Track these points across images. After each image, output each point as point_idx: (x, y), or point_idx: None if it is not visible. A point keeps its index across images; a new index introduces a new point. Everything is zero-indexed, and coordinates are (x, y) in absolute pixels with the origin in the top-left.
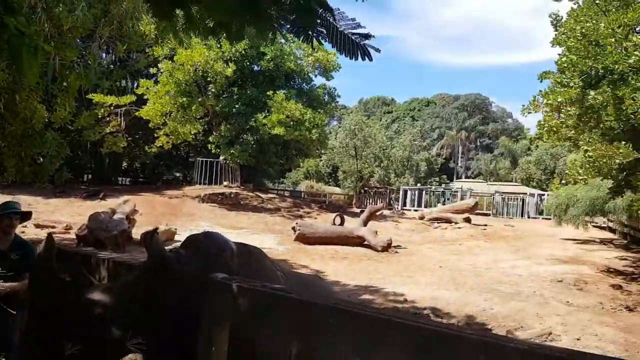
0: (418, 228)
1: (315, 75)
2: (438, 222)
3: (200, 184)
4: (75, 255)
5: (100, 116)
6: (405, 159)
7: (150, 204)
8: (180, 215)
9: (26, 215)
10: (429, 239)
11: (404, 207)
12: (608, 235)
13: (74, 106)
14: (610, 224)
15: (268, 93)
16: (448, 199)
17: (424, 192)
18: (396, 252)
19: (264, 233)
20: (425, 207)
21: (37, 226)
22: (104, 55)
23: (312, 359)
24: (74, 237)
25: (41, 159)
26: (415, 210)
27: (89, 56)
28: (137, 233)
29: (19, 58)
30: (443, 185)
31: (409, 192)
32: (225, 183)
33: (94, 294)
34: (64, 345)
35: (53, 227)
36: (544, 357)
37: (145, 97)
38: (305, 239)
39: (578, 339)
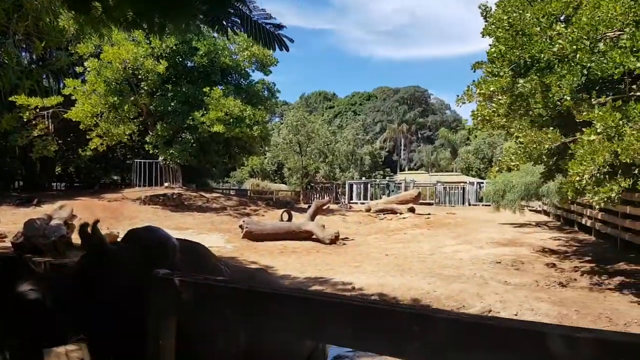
0: (365, 220)
1: (253, 71)
2: (384, 214)
3: (139, 186)
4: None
5: (25, 119)
6: (350, 153)
7: (89, 209)
8: (122, 218)
9: None
10: (375, 229)
11: (351, 201)
12: (543, 218)
13: None
14: (545, 207)
15: (204, 90)
16: (392, 191)
17: (369, 185)
18: (344, 243)
19: (211, 232)
20: (371, 199)
21: None
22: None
23: (259, 346)
24: (9, 245)
25: None
26: (362, 203)
27: (4, 55)
28: (76, 239)
29: None
30: (387, 178)
31: (354, 186)
32: (166, 184)
33: (31, 286)
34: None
35: None
36: (469, 323)
37: (73, 97)
38: (253, 236)
39: (515, 314)
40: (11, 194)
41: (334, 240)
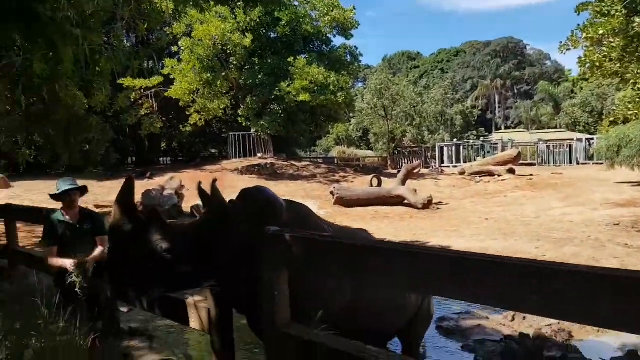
0: (459, 183)
1: (334, 36)
2: (480, 176)
3: (235, 157)
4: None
5: (132, 99)
6: (439, 114)
7: (194, 180)
8: (223, 188)
9: (83, 190)
10: (471, 193)
11: (442, 164)
12: None
13: (109, 90)
14: None
15: (289, 60)
16: (488, 152)
17: (461, 147)
18: (438, 208)
19: (304, 199)
20: (464, 162)
21: (97, 207)
22: (127, 36)
23: (363, 302)
24: None
25: (87, 146)
26: (454, 166)
27: (114, 38)
28: (186, 207)
29: (53, 45)
30: (481, 139)
31: (445, 149)
32: (259, 155)
33: (165, 239)
34: (148, 292)
35: (110, 206)
36: (592, 274)
37: (172, 76)
38: (345, 202)
39: None
40: (127, 169)
41: (427, 204)
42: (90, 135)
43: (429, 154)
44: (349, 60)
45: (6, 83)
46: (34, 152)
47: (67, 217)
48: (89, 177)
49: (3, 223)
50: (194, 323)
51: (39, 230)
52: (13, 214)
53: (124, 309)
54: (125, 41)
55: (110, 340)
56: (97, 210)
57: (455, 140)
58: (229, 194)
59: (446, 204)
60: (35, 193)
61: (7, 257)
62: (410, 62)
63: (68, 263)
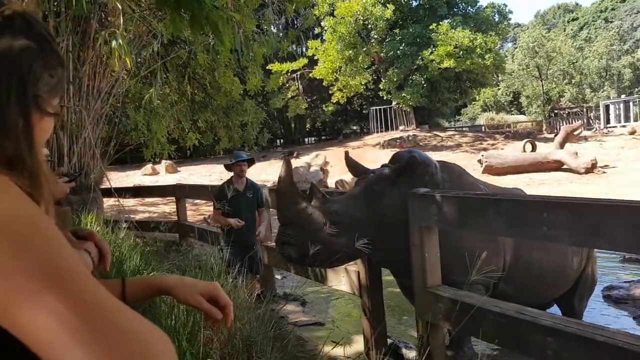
0: (628, 144)
1: None
2: None
3: (377, 132)
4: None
5: (280, 83)
6: (603, 69)
7: (337, 156)
8: (365, 162)
9: (251, 161)
10: None
11: (608, 125)
12: None
13: (262, 74)
14: None
15: (431, 27)
16: None
17: (631, 103)
18: (603, 172)
19: None
20: (635, 120)
21: None
22: (275, 21)
23: (522, 258)
24: None
25: (241, 130)
26: (623, 126)
27: (264, 23)
28: (330, 183)
29: (217, 30)
30: None
31: (611, 107)
32: (401, 127)
33: (327, 205)
34: (307, 247)
35: (264, 184)
36: None
37: (316, 57)
38: (494, 170)
39: None
40: (276, 150)
41: (591, 168)
42: (246, 118)
43: (591, 114)
44: (497, 19)
45: (175, 75)
46: (199, 137)
47: (237, 184)
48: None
49: (173, 202)
50: (344, 286)
51: (204, 208)
52: (184, 191)
53: (278, 276)
54: (272, 26)
55: (269, 303)
56: None
57: (623, 96)
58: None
59: (613, 167)
60: (198, 176)
61: (178, 230)
62: (568, 15)
63: (233, 222)
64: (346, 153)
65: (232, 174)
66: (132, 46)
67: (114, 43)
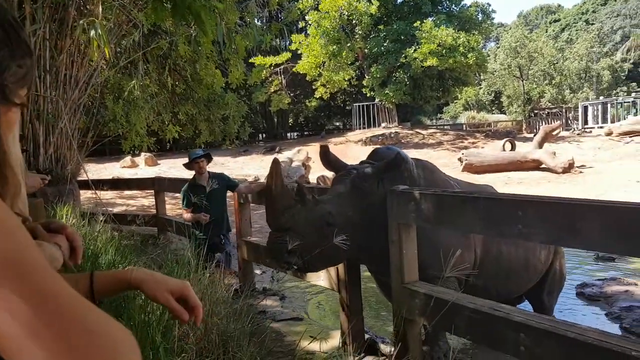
0: (605, 145)
1: None
2: (630, 137)
3: (359, 128)
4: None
5: (263, 77)
6: (582, 71)
7: (319, 152)
8: (347, 159)
9: (208, 156)
10: (620, 155)
11: (585, 126)
12: None
13: (244, 67)
14: None
15: (415, 24)
16: None
17: (608, 105)
18: (580, 172)
19: None
20: (612, 122)
21: None
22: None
23: (492, 253)
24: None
25: (223, 123)
26: (600, 127)
27: (247, 15)
28: (312, 178)
29: (200, 20)
30: (633, 95)
31: (589, 108)
32: (383, 124)
33: (321, 207)
34: (311, 253)
35: (245, 179)
36: None
37: (299, 51)
38: (474, 168)
39: None
40: (258, 145)
41: (568, 168)
42: (227, 111)
43: (570, 115)
44: (480, 18)
45: (155, 66)
46: (179, 129)
47: (200, 181)
48: (226, 153)
49: (152, 196)
50: (323, 282)
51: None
52: (163, 184)
53: (258, 271)
54: (256, 19)
55: (247, 298)
56: None
57: (601, 98)
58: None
59: (590, 167)
60: (178, 169)
61: (156, 224)
62: (550, 16)
63: (198, 217)
64: (322, 147)
65: (193, 172)
66: (112, 35)
67: (92, 32)
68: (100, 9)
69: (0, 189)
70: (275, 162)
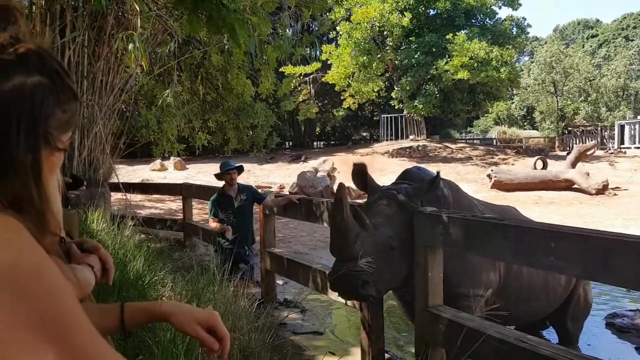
0: None
1: (500, 7)
2: None
3: (386, 140)
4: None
5: (292, 87)
6: (620, 89)
7: (345, 163)
8: (372, 170)
9: (240, 169)
10: None
11: (622, 146)
12: None
13: (274, 77)
14: None
15: (447, 37)
16: None
17: None
18: (614, 194)
19: (458, 182)
20: None
21: (258, 187)
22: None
23: (521, 271)
24: (287, 194)
25: (251, 132)
26: (637, 148)
27: (279, 27)
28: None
29: (234, 32)
30: None
31: (626, 127)
32: (411, 137)
33: (382, 231)
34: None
35: (269, 187)
36: None
37: (329, 61)
38: (503, 185)
39: None
40: (284, 153)
41: (602, 190)
42: (256, 120)
43: (605, 134)
44: (514, 32)
45: (188, 74)
46: (208, 137)
47: (229, 192)
48: (252, 160)
49: (180, 200)
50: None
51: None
52: (191, 191)
53: (279, 282)
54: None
55: (268, 308)
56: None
57: (639, 117)
58: (378, 177)
59: (624, 190)
60: (205, 174)
61: (183, 229)
62: (587, 31)
63: (220, 227)
64: (357, 165)
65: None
66: (147, 44)
67: (130, 46)
68: (139, 21)
69: (43, 235)
70: (342, 187)
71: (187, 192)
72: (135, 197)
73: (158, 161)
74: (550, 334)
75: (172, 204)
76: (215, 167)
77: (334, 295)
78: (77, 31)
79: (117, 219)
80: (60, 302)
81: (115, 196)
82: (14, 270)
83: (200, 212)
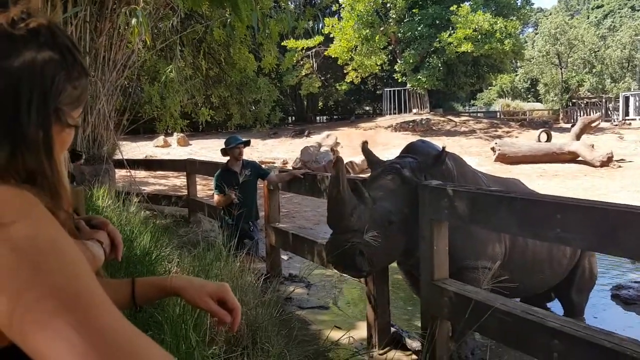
0: None
1: None
2: None
3: (390, 114)
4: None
5: (295, 61)
6: (625, 60)
7: (348, 137)
8: (375, 145)
9: (247, 143)
10: None
11: (627, 117)
12: None
13: (277, 51)
14: None
15: (451, 8)
16: None
17: None
18: (619, 166)
19: (461, 156)
20: None
21: (261, 163)
22: None
23: (527, 242)
24: (291, 169)
25: (254, 107)
26: None
27: (282, 0)
28: None
29: (236, 5)
30: None
31: (631, 99)
32: (414, 110)
33: (382, 205)
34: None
35: (273, 162)
36: None
37: (332, 35)
38: (507, 158)
39: None
40: (287, 128)
41: (607, 162)
42: (259, 95)
43: (610, 105)
44: (519, 3)
45: (190, 49)
46: (211, 113)
47: (234, 167)
48: (255, 136)
49: (184, 176)
50: None
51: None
52: (194, 166)
53: (284, 257)
54: (291, 3)
55: (274, 283)
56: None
57: None
58: (381, 151)
59: (630, 162)
60: (209, 150)
61: (187, 205)
62: (592, 2)
63: (228, 197)
64: (364, 143)
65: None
66: (150, 19)
67: (134, 20)
68: None
69: (57, 208)
70: (340, 160)
71: (191, 168)
72: (140, 174)
73: (161, 137)
74: (556, 307)
75: (176, 180)
76: (218, 143)
77: (338, 269)
78: (79, 6)
79: (122, 196)
80: (77, 276)
81: (120, 173)
82: (31, 243)
83: (204, 188)
